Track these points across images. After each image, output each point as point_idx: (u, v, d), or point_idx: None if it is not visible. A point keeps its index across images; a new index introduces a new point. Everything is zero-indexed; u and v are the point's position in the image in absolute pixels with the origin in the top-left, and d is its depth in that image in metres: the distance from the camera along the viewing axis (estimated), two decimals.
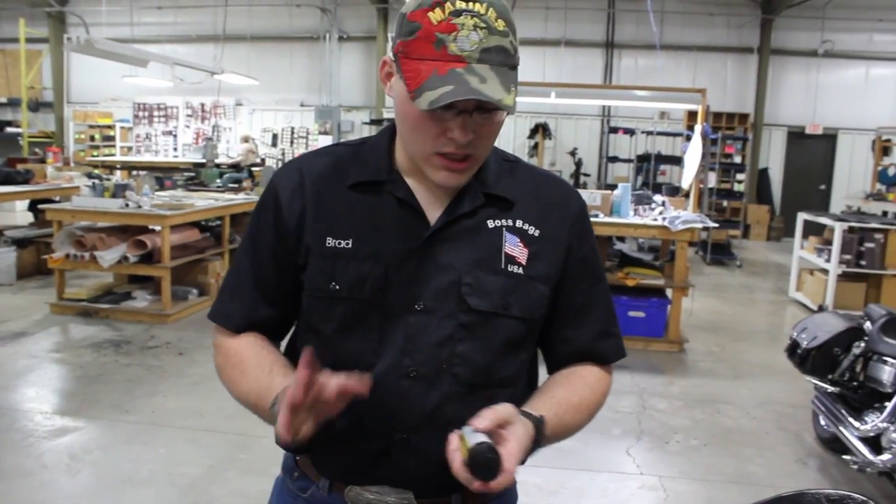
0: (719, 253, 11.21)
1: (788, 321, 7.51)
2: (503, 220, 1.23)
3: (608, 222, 6.27)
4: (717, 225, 8.25)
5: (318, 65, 15.82)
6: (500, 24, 1.07)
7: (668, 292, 6.41)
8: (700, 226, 6.26)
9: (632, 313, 6.21)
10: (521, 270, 1.22)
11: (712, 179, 11.46)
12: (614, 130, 13.43)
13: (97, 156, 14.97)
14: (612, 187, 9.68)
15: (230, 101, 15.88)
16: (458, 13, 1.05)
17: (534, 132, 14.15)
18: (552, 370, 1.35)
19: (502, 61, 1.08)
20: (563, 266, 1.27)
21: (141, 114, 16.50)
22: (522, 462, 1.10)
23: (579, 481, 3.83)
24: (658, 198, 6.98)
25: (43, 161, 10.95)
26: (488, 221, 1.23)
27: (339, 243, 1.20)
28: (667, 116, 14.03)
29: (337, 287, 1.20)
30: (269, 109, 16.10)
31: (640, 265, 6.69)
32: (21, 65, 14.36)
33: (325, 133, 15.13)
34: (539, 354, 1.38)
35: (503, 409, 1.09)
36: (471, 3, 1.05)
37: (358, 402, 1.06)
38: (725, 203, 13.24)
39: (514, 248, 1.22)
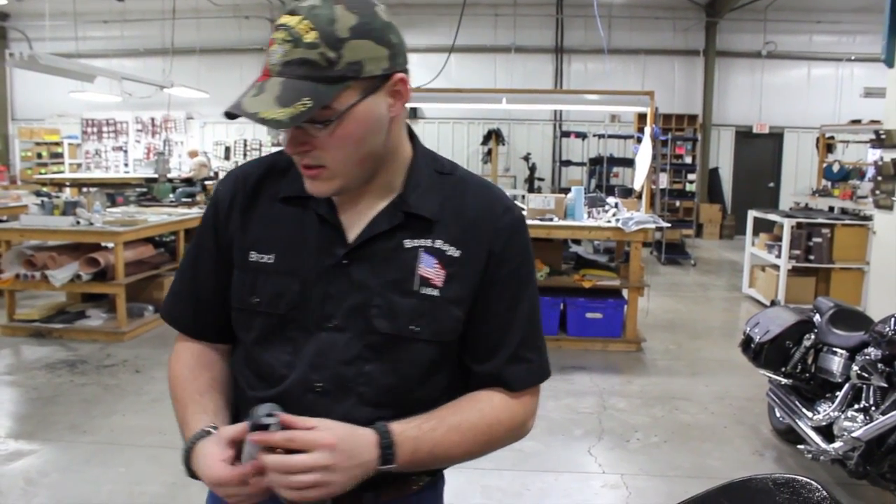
0: (673, 252, 11.40)
1: (742, 317, 7.67)
2: (422, 241, 1.21)
3: (562, 225, 6.34)
4: (669, 225, 8.40)
5: None
6: (311, 37, 1.05)
7: (625, 293, 6.50)
8: (653, 226, 6.37)
9: (589, 315, 6.29)
10: (436, 293, 1.20)
11: (664, 180, 11.66)
12: (566, 134, 13.60)
13: (45, 173, 14.66)
14: (566, 191, 9.79)
15: (181, 115, 15.69)
16: (276, 28, 1.08)
17: (487, 138, 14.24)
18: (469, 388, 1.30)
19: (304, 74, 1.06)
20: (480, 286, 1.23)
21: (90, 129, 16.20)
22: (390, 468, 1.13)
23: (543, 482, 3.87)
24: (611, 200, 7.08)
25: None
26: (405, 241, 1.21)
27: (262, 258, 1.23)
28: (617, 119, 14.25)
29: (257, 300, 1.23)
30: (221, 122, 15.94)
31: (595, 267, 6.78)
32: None
33: (278, 145, 15.01)
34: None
35: (324, 421, 1.10)
36: (289, 18, 1.07)
37: None
38: (678, 203, 13.48)
39: (429, 269, 1.20)
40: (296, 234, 1.22)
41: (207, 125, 15.91)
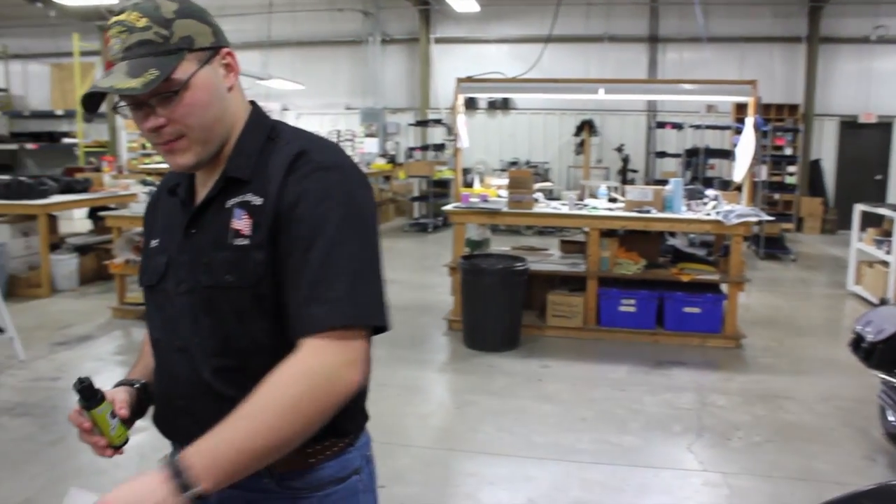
0: (773, 247, 11.02)
1: (848, 315, 7.37)
2: (236, 198, 1.32)
3: (660, 218, 6.22)
4: (772, 218, 8.13)
5: (362, 68, 15.95)
6: (143, 22, 1.22)
7: (724, 288, 6.33)
8: (755, 219, 6.18)
9: (687, 309, 6.16)
10: (246, 241, 1.28)
11: (763, 172, 11.27)
12: (662, 125, 13.27)
13: (149, 163, 15.26)
14: (660, 183, 9.60)
15: (277, 107, 16.08)
16: (110, 28, 1.24)
17: (579, 129, 14.07)
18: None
19: (145, 52, 1.21)
20: (275, 227, 1.26)
21: None
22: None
23: (642, 478, 3.82)
24: (710, 192, 6.90)
25: (98, 170, 11.23)
26: (227, 202, 1.32)
27: (153, 243, 1.43)
28: (714, 110, 13.82)
29: (144, 278, 1.43)
30: (316, 113, 16.26)
31: (693, 260, 6.64)
32: (76, 77, 14.72)
33: (371, 135, 15.24)
34: None
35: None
36: (118, 16, 1.24)
37: (157, 376, 1.43)
38: (777, 196, 13.00)
39: (239, 221, 1.29)
40: (170, 219, 1.41)
41: (302, 116, 16.25)
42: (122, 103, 1.28)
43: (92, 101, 1.28)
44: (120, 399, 1.41)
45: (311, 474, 1.35)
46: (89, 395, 1.31)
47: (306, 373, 1.19)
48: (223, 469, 1.13)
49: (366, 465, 1.45)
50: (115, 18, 1.24)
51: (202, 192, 1.37)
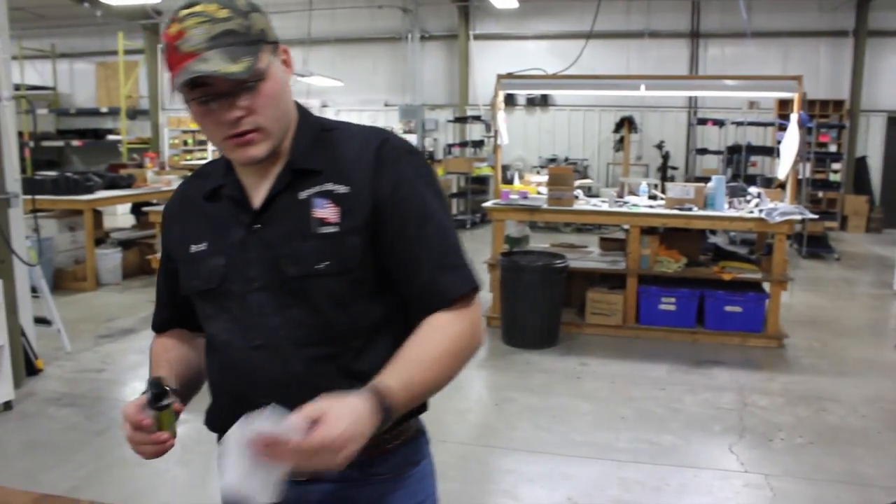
0: (816, 246, 10.82)
1: (894, 316, 7.22)
2: (312, 189, 1.33)
3: (702, 215, 6.15)
4: (815, 216, 7.99)
5: (400, 64, 15.99)
6: (223, 13, 1.23)
7: (766, 287, 6.24)
8: (799, 217, 6.08)
9: (728, 308, 6.09)
10: (335, 229, 1.30)
11: (807, 170, 11.07)
12: (703, 122, 13.10)
13: (190, 159, 15.50)
14: (701, 180, 9.47)
15: (316, 103, 16.19)
16: (182, 20, 1.22)
17: (619, 126, 13.95)
18: (413, 318, 1.35)
19: (232, 41, 1.22)
20: (376, 212, 1.32)
21: None
22: (383, 428, 1.16)
23: (682, 478, 3.79)
24: (753, 189, 6.80)
25: (141, 166, 11.42)
26: (300, 193, 1.33)
27: (198, 247, 1.40)
28: (756, 106, 13.60)
29: (196, 283, 1.40)
30: (355, 110, 16.33)
31: (735, 259, 6.55)
32: (120, 76, 15.00)
33: (410, 132, 15.23)
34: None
35: (309, 408, 1.11)
36: (193, 7, 1.23)
37: (228, 378, 1.38)
38: (821, 194, 12.76)
39: (322, 210, 1.31)
40: (219, 221, 1.39)
41: (341, 113, 16.34)
42: (205, 96, 1.25)
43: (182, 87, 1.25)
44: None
45: (391, 459, 1.40)
46: (162, 396, 1.32)
47: (464, 334, 1.32)
48: (409, 396, 1.22)
49: (430, 449, 1.52)
50: (189, 10, 1.23)
51: (259, 188, 1.37)
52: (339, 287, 1.32)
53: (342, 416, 1.09)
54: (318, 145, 1.37)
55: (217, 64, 1.19)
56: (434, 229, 1.35)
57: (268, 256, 1.32)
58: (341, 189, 1.32)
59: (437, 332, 1.31)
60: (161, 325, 1.57)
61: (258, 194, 1.36)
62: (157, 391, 1.32)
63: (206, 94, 1.24)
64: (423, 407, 1.46)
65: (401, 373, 1.23)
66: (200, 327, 1.52)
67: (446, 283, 1.33)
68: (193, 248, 1.40)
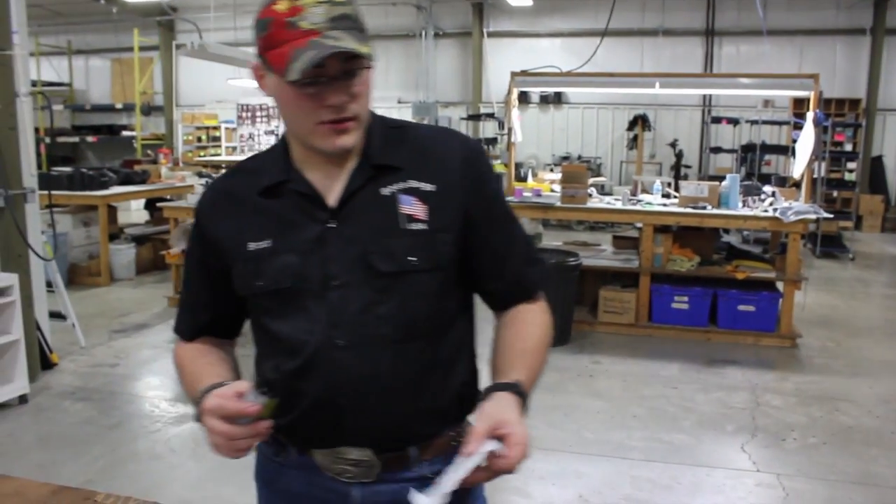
0: (830, 245, 10.76)
1: None
2: (395, 186, 1.31)
3: (716, 214, 6.13)
4: (830, 216, 7.94)
5: (414, 62, 16.00)
6: None
7: (780, 286, 6.21)
8: (813, 217, 6.05)
9: (741, 307, 6.06)
10: (424, 226, 1.29)
11: (822, 169, 10.99)
12: (717, 120, 13.04)
13: (204, 156, 15.55)
14: (715, 178, 9.43)
15: None
16: None
17: (632, 124, 13.90)
18: (495, 309, 1.46)
19: (350, 26, 1.18)
20: (468, 212, 1.34)
21: (244, 114, 17.00)
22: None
23: (694, 476, 3.78)
24: (767, 188, 6.77)
25: (155, 162, 11.47)
26: (382, 190, 1.30)
27: (260, 244, 1.33)
28: (770, 105, 13.53)
29: (261, 283, 1.33)
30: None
31: (748, 258, 6.52)
32: (135, 72, 15.08)
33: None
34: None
35: (484, 422, 1.17)
36: None
37: (306, 379, 1.30)
38: (835, 193, 12.69)
39: (410, 207, 1.30)
40: (284, 217, 1.33)
41: None
42: (314, 78, 1.18)
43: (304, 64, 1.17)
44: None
45: (454, 456, 1.37)
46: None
47: (547, 325, 1.42)
48: (532, 386, 1.30)
49: None
50: None
51: (331, 183, 1.32)
52: (428, 282, 1.32)
53: (516, 421, 1.17)
54: (392, 142, 1.35)
55: (351, 43, 1.16)
56: (518, 227, 1.44)
57: (352, 253, 1.29)
58: (427, 187, 1.31)
59: (532, 323, 1.39)
60: (197, 330, 1.48)
61: (330, 190, 1.32)
62: (255, 382, 1.29)
63: (319, 74, 1.18)
64: None
65: (523, 366, 1.31)
66: (232, 333, 1.51)
67: (533, 276, 1.43)
68: (252, 246, 1.33)
